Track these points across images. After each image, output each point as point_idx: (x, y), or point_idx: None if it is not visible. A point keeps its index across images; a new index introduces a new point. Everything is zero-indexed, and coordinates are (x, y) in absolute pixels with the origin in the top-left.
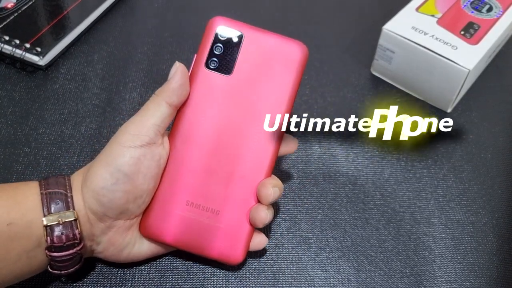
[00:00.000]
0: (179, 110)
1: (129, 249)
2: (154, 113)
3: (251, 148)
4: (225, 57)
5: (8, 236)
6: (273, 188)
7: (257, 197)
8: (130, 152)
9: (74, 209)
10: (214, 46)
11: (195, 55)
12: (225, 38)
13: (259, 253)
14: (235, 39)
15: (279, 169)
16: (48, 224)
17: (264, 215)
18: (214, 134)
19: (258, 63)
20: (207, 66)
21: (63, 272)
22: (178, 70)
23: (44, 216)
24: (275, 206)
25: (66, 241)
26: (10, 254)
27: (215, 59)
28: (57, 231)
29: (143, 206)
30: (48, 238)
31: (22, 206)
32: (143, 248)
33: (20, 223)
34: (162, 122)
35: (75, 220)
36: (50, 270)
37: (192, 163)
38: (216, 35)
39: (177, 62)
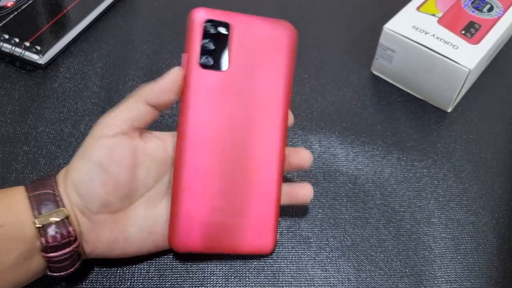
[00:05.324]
0: (181, 115)
1: (120, 245)
2: (130, 108)
3: (261, 138)
4: (217, 52)
5: (1, 238)
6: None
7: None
8: (101, 142)
9: (64, 207)
10: (204, 43)
11: (185, 54)
12: (213, 32)
13: None
14: (223, 30)
15: None
16: (41, 225)
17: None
18: (222, 133)
19: (250, 52)
20: (201, 65)
21: (63, 273)
22: (170, 75)
23: (35, 217)
24: None
25: (61, 239)
26: (7, 257)
27: (208, 56)
28: (51, 230)
29: (127, 200)
30: (43, 239)
31: (13, 208)
32: (134, 245)
33: (12, 225)
34: (138, 118)
35: (67, 217)
36: (50, 274)
37: (207, 167)
38: (203, 30)
39: (177, 67)
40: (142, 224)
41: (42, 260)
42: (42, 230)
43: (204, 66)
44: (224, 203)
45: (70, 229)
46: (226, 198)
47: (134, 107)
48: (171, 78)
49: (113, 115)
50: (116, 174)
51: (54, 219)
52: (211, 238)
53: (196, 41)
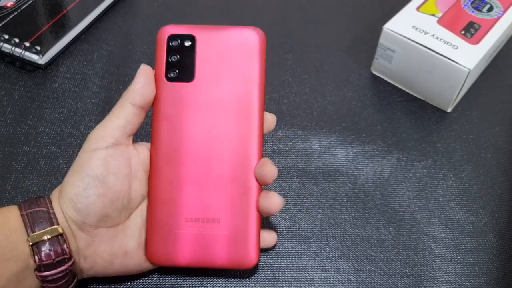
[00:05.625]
0: (153, 128)
1: (120, 259)
2: (118, 114)
3: (235, 148)
4: (183, 64)
5: None
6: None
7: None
8: (96, 154)
9: (58, 224)
10: (169, 57)
11: (153, 71)
12: (177, 46)
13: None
14: (188, 43)
15: (278, 168)
16: (34, 243)
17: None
18: (194, 144)
19: (217, 61)
20: (167, 78)
21: None
22: (141, 71)
23: (29, 235)
24: None
25: (55, 257)
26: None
27: (173, 69)
28: (45, 248)
29: (125, 212)
30: (36, 257)
31: (5, 228)
32: (134, 260)
33: (4, 244)
34: (127, 123)
35: (61, 234)
36: None
37: (180, 179)
38: (168, 44)
39: (142, 64)
40: (140, 239)
41: (36, 281)
42: (35, 248)
43: (171, 79)
44: (198, 215)
45: (65, 246)
46: (201, 209)
47: (121, 112)
48: (143, 72)
49: (103, 126)
50: (114, 185)
51: (47, 236)
52: (188, 251)
53: (161, 56)
